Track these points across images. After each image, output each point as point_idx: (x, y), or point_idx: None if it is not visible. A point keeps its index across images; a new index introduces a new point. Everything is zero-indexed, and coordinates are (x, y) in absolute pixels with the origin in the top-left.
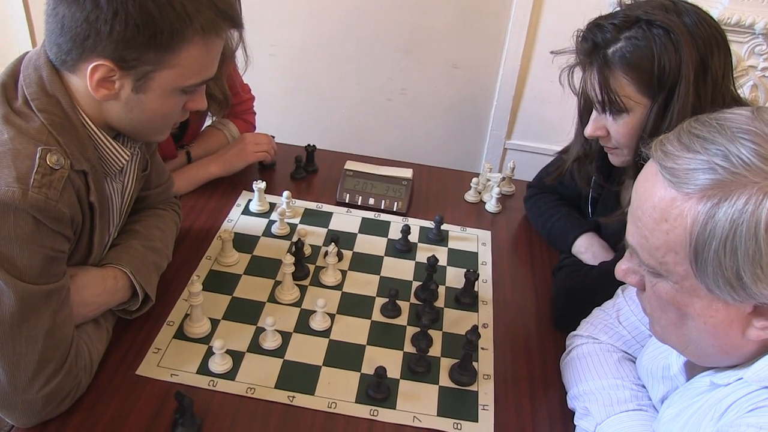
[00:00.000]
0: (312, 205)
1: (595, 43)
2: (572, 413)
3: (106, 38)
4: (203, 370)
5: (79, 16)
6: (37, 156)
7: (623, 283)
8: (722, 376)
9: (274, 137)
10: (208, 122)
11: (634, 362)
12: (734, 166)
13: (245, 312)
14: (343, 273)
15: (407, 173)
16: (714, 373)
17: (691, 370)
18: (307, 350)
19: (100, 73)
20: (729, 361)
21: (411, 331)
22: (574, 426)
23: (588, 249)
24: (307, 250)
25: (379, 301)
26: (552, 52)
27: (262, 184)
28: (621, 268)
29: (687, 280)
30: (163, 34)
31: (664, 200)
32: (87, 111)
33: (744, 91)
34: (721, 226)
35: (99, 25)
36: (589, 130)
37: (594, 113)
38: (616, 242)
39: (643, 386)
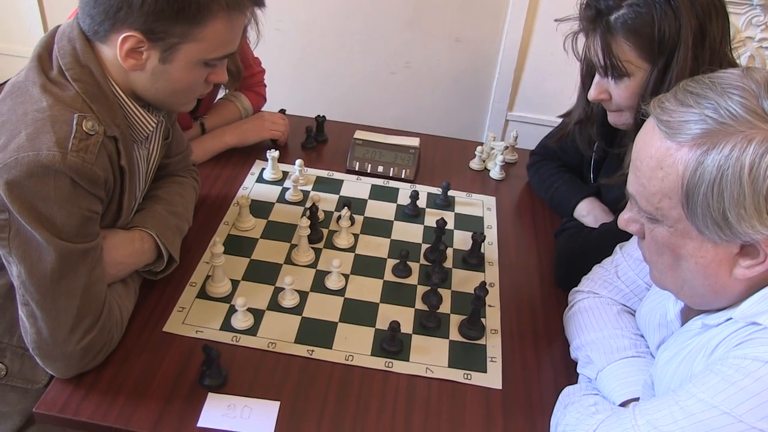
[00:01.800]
0: (323, 173)
1: (598, 9)
2: (574, 364)
3: (137, 11)
4: (226, 326)
5: None
6: (74, 122)
7: (623, 241)
8: (713, 317)
9: (285, 111)
10: (220, 95)
11: (633, 315)
12: (722, 117)
13: (264, 273)
14: (356, 236)
15: (414, 142)
16: (706, 315)
17: (686, 316)
18: (324, 308)
19: (129, 44)
20: (719, 302)
21: (421, 289)
22: (577, 375)
23: (590, 213)
24: (321, 215)
25: (391, 262)
26: (556, 20)
27: (276, 153)
28: (623, 218)
29: (680, 223)
30: (191, 8)
31: (660, 150)
32: (117, 80)
33: (742, 61)
34: (709, 172)
35: None
36: (592, 94)
37: (597, 77)
38: (616, 206)
39: (642, 336)
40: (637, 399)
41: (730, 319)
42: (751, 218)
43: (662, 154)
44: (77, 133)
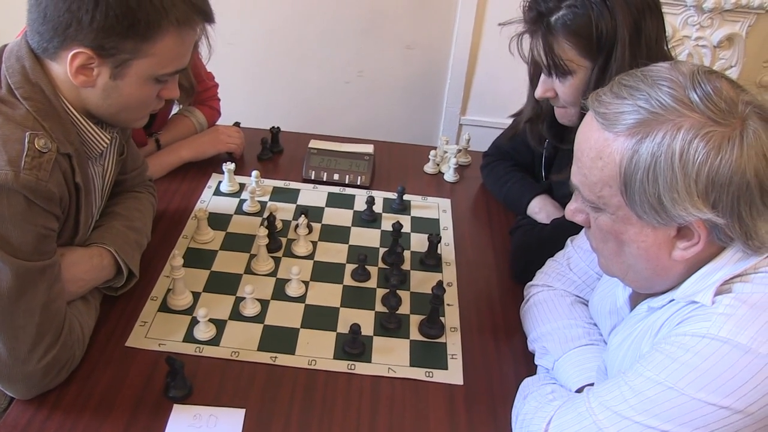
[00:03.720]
0: (280, 183)
1: (539, 12)
2: (532, 356)
3: (86, 27)
4: (189, 338)
5: (61, 6)
6: (26, 140)
7: (574, 235)
8: (657, 300)
9: (239, 123)
10: (174, 110)
11: (586, 305)
12: (653, 107)
13: (224, 284)
14: (314, 244)
15: (369, 149)
16: (651, 299)
17: (634, 301)
18: (285, 315)
19: (79, 60)
20: (663, 284)
21: (381, 292)
22: (536, 366)
23: (542, 209)
24: (279, 225)
25: (350, 267)
26: (500, 24)
27: (232, 166)
28: (570, 209)
29: (621, 210)
30: (141, 24)
31: (598, 141)
32: (68, 98)
33: (681, 59)
34: (644, 159)
35: (81, 14)
36: (538, 92)
37: (542, 76)
38: (567, 202)
39: (595, 325)
40: (592, 384)
41: (672, 300)
42: (684, 201)
43: (601, 145)
44: (29, 151)
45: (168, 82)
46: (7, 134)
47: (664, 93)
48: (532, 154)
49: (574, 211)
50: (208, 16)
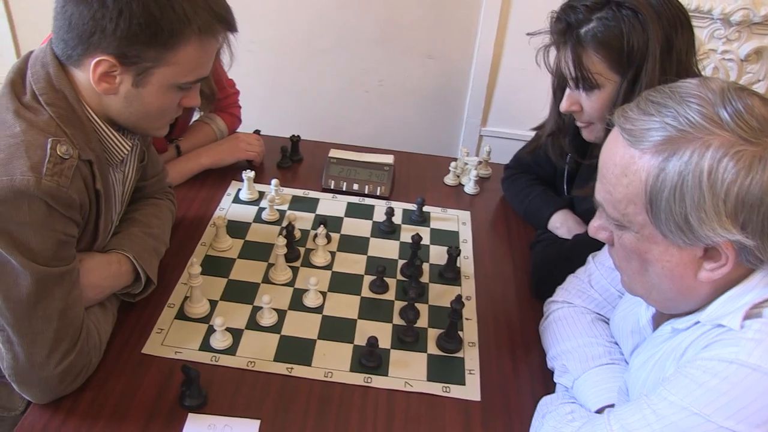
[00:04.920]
0: (299, 192)
1: (568, 23)
2: (551, 374)
3: (110, 35)
4: (205, 346)
5: (86, 14)
6: (48, 146)
7: (596, 251)
8: (682, 321)
9: (260, 131)
10: (195, 117)
11: (607, 323)
12: (682, 124)
13: (241, 293)
14: (332, 254)
15: (389, 159)
16: (675, 320)
17: (657, 322)
18: (302, 325)
19: (102, 68)
20: (687, 305)
21: (399, 305)
22: (554, 384)
23: (563, 224)
24: (297, 234)
25: (368, 279)
26: (528, 34)
27: (251, 174)
28: (593, 226)
29: (646, 229)
30: (164, 32)
31: (624, 158)
32: (91, 104)
33: (707, 73)
34: (671, 177)
35: (105, 22)
36: (564, 106)
37: (568, 89)
38: (589, 217)
39: (616, 343)
40: (612, 405)
41: (698, 322)
42: (712, 221)
43: (626, 162)
44: (51, 158)
45: (189, 90)
46: (29, 140)
47: (693, 110)
48: (554, 168)
49: (597, 228)
50: (230, 26)
